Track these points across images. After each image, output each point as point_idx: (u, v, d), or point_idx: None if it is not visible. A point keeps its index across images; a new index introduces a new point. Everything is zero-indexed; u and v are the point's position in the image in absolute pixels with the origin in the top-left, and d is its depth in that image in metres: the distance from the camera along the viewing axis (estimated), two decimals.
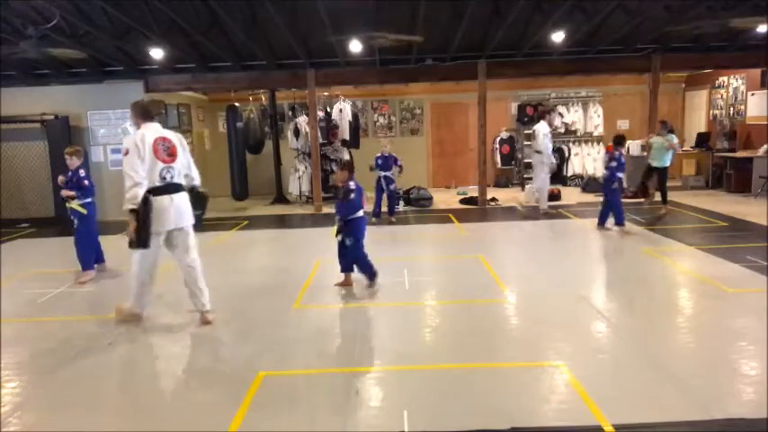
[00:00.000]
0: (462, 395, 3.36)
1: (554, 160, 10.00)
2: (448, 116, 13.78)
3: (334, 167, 11.95)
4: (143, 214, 4.30)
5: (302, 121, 11.58)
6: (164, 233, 4.56)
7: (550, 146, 9.75)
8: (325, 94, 12.22)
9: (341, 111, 11.78)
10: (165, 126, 11.50)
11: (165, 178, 4.47)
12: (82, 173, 6.26)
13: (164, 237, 4.60)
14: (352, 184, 5.48)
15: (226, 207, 11.79)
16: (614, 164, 7.83)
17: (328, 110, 11.90)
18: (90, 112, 10.41)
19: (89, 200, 6.36)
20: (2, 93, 9.93)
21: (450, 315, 4.90)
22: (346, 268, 5.67)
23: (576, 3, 8.19)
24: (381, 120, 13.88)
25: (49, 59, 9.24)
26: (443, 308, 5.10)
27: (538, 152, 9.72)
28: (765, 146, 10.42)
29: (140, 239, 4.35)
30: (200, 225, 4.99)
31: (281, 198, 12.24)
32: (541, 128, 9.64)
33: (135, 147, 4.36)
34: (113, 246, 7.64)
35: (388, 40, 8.03)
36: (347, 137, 11.83)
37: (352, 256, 5.55)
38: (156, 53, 9.08)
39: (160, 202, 4.44)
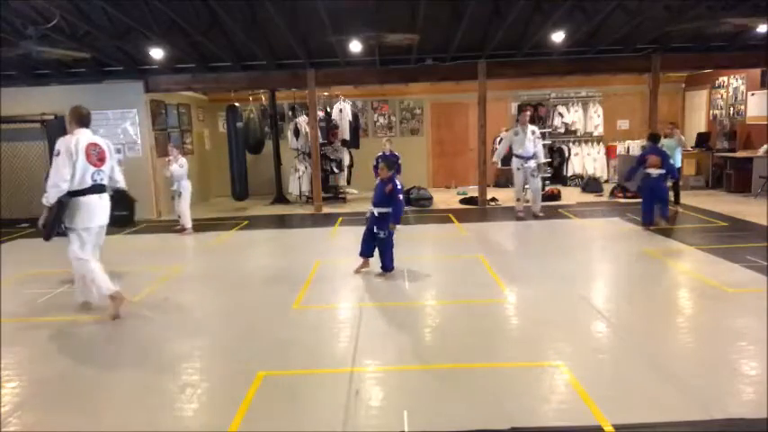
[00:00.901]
0: (462, 395, 3.36)
1: (518, 165, 9.17)
2: (448, 116, 13.78)
3: (334, 167, 11.98)
4: (56, 212, 4.78)
5: (302, 121, 11.58)
6: (96, 227, 5.03)
7: (522, 149, 9.06)
8: (325, 94, 12.22)
9: (341, 111, 11.78)
10: (165, 126, 11.56)
11: (96, 180, 4.94)
12: None
13: (96, 230, 5.06)
14: (399, 183, 5.94)
15: (226, 207, 11.80)
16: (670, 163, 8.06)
17: (328, 110, 11.90)
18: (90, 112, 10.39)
19: None
20: (2, 93, 9.93)
21: (451, 315, 4.89)
22: (366, 253, 6.13)
23: (576, 3, 8.20)
24: (381, 120, 13.88)
25: (49, 59, 9.24)
26: (443, 308, 5.10)
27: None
28: (765, 146, 10.42)
29: (47, 233, 4.87)
30: (132, 224, 5.58)
31: (281, 198, 12.24)
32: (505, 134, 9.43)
33: (68, 151, 4.78)
34: (113, 246, 7.65)
35: (386, 41, 8.03)
36: (347, 137, 11.83)
37: (387, 246, 6.02)
38: (156, 53, 9.08)
39: (92, 200, 4.93)
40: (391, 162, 6.23)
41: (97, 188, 4.95)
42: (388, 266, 6.04)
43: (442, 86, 12.80)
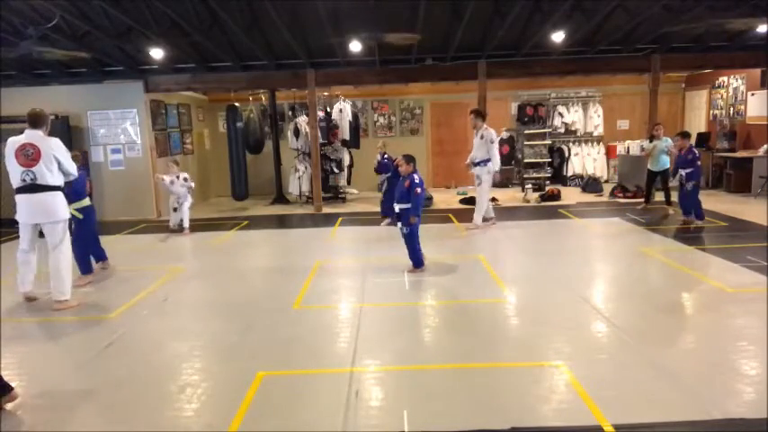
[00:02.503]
0: (462, 395, 3.36)
1: (472, 170, 8.54)
2: (448, 116, 13.78)
3: (334, 167, 11.98)
4: None
5: (302, 121, 11.58)
6: (29, 225, 5.19)
7: (483, 154, 8.32)
8: (325, 94, 12.22)
9: (341, 111, 11.78)
10: (165, 126, 11.51)
11: (24, 180, 5.04)
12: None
13: (32, 228, 5.23)
14: (416, 178, 5.98)
15: (226, 207, 11.81)
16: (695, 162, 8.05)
17: (328, 110, 11.90)
18: (90, 112, 10.41)
19: (87, 204, 6.31)
20: (2, 93, 9.93)
21: (451, 315, 4.90)
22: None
23: (576, 3, 8.19)
24: (381, 120, 13.88)
25: (49, 59, 9.24)
26: (443, 308, 5.10)
27: None
28: (765, 146, 10.43)
29: None
30: None
31: (281, 198, 12.24)
32: None
33: (4, 152, 5.11)
34: (113, 246, 7.65)
35: (386, 41, 8.01)
36: (347, 137, 11.83)
37: (410, 241, 6.08)
38: (156, 53, 9.07)
39: (19, 199, 5.10)
40: (410, 157, 6.22)
41: (26, 188, 5.04)
42: (414, 263, 6.14)
43: (442, 86, 12.80)
